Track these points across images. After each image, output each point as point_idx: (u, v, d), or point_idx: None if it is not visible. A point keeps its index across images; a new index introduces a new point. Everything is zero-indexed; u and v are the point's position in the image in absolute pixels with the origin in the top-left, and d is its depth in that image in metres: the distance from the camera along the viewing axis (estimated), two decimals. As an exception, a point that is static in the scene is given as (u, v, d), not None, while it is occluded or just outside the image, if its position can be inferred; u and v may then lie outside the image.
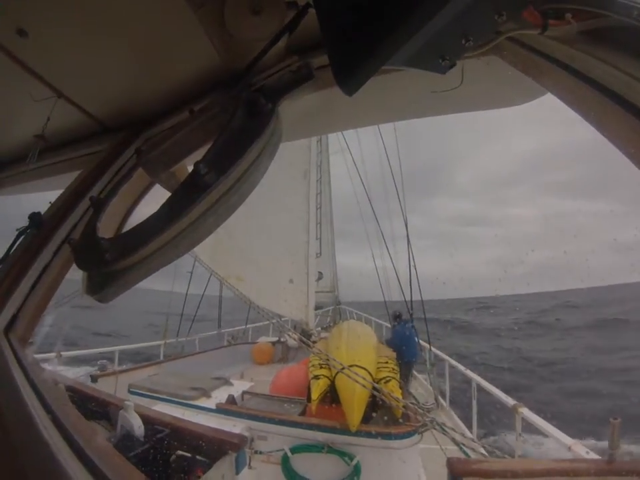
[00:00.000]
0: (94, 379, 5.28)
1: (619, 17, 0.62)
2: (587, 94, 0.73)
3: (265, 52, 0.96)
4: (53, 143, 1.66)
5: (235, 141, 0.83)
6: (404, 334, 6.60)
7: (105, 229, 1.07)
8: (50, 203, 1.41)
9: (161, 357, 7.70)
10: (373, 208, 9.57)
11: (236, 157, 0.80)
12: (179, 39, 1.09)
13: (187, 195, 0.79)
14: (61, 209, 1.35)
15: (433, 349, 7.49)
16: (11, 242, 1.28)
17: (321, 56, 1.05)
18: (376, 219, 9.54)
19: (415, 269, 7.82)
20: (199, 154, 0.91)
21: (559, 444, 3.23)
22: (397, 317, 7.55)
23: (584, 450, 2.98)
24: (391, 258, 8.95)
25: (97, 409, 3.20)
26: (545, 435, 3.51)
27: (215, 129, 0.94)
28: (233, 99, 0.96)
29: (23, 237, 1.28)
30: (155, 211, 0.85)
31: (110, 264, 0.88)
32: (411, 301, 7.50)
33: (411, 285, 7.59)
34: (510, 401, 4.29)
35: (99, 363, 5.61)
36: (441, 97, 1.28)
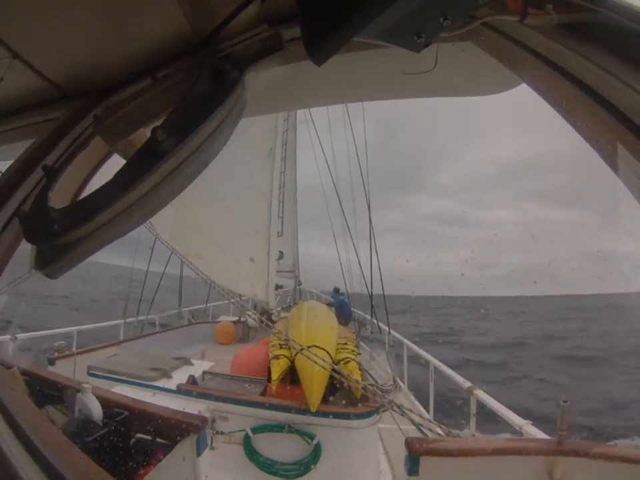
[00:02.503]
0: (51, 361, 5.06)
1: (599, 11, 0.62)
2: (560, 85, 0.73)
3: (234, 16, 0.91)
4: (5, 109, 1.53)
5: (197, 108, 0.78)
6: (340, 301, 9.78)
7: (60, 199, 1.00)
8: (0, 172, 1.30)
9: (121, 337, 7.45)
10: (339, 196, 9.73)
11: (196, 124, 0.75)
12: (146, 1, 1.01)
13: (142, 162, 0.74)
14: (12, 179, 1.25)
15: (392, 331, 7.84)
16: None
17: (291, 28, 1.01)
18: (342, 210, 9.77)
19: (378, 261, 8.12)
20: (159, 122, 0.86)
21: (511, 424, 3.41)
22: (336, 290, 10.85)
23: (535, 430, 3.16)
24: (355, 249, 9.30)
25: (54, 393, 3.08)
26: (498, 415, 3.69)
27: (178, 95, 0.88)
28: (197, 64, 0.90)
29: None
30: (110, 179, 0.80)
31: (59, 236, 0.82)
32: (371, 295, 8.15)
33: (371, 279, 8.08)
34: (466, 383, 4.48)
35: (56, 344, 5.38)
36: (413, 79, 1.27)
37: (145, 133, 1.05)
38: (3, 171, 1.31)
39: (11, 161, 1.33)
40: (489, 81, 1.43)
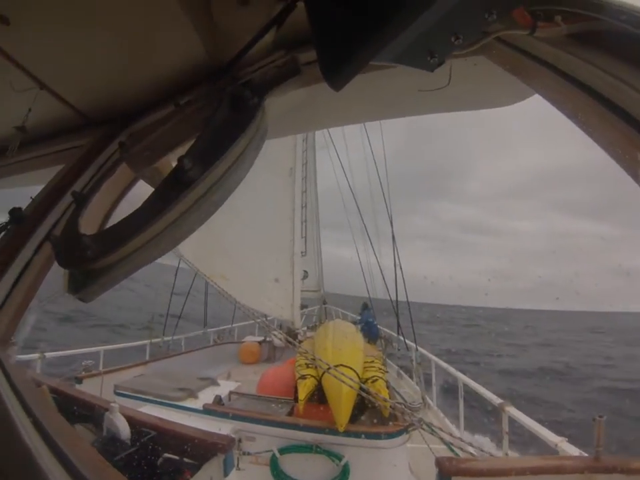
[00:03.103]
0: (79, 380, 5.16)
1: (608, 20, 0.62)
2: (573, 95, 0.72)
3: (252, 45, 0.94)
4: (34, 136, 1.61)
5: (220, 136, 0.81)
6: (366, 319, 9.53)
7: (88, 225, 1.04)
8: (31, 198, 1.37)
9: (147, 357, 7.57)
10: (359, 209, 9.75)
11: (221, 151, 0.77)
12: (165, 30, 1.06)
13: (170, 190, 0.77)
14: (43, 204, 1.30)
15: (419, 348, 7.67)
16: None
17: (308, 52, 1.03)
18: (363, 222, 9.76)
19: (401, 269, 8.05)
20: (183, 148, 0.89)
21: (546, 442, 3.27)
22: (365, 306, 10.56)
23: (571, 447, 3.02)
24: (376, 257, 9.27)
25: (82, 412, 3.14)
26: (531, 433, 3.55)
27: (200, 122, 0.91)
28: (218, 92, 0.94)
29: (3, 233, 1.24)
30: (138, 207, 0.83)
31: (92, 261, 0.85)
32: (397, 300, 8.05)
33: (396, 285, 7.99)
34: (496, 399, 4.33)
35: (83, 363, 5.51)
36: (428, 95, 1.28)
37: (169, 160, 1.08)
38: (33, 196, 1.38)
39: (42, 186, 1.39)
40: (502, 93, 1.43)
